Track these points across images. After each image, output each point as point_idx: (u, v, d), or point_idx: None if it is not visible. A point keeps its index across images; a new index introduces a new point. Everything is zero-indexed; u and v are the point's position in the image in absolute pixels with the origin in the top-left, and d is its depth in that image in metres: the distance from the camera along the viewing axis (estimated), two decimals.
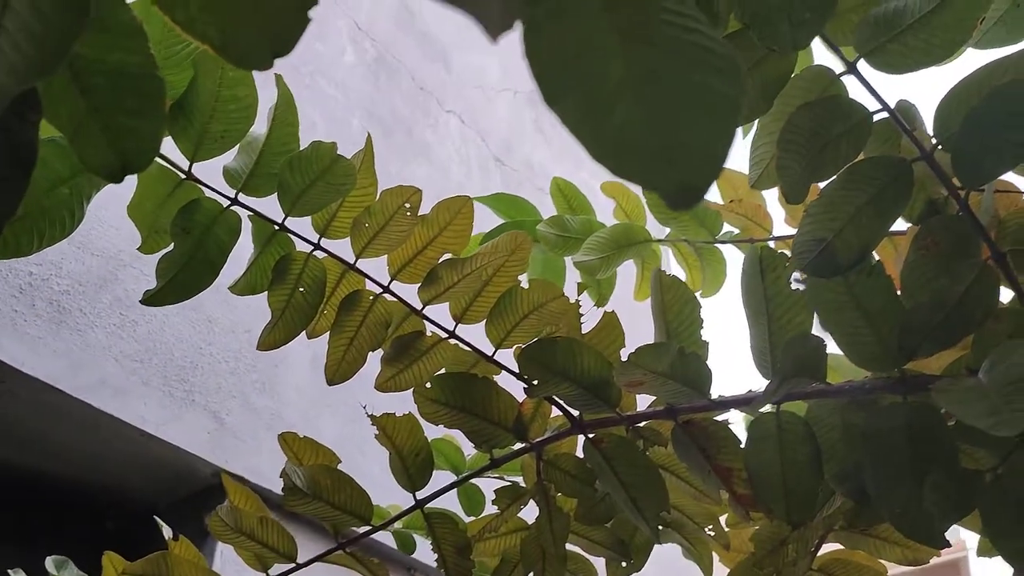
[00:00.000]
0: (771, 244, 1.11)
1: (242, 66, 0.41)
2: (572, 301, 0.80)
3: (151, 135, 0.43)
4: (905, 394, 0.64)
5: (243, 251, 0.75)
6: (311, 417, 1.60)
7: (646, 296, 1.30)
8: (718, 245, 1.20)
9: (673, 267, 1.30)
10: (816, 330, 0.71)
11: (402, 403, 0.82)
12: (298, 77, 2.15)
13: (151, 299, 0.71)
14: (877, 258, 0.67)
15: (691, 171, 0.30)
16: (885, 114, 0.67)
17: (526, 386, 0.75)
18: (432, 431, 0.87)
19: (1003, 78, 0.62)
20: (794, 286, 0.70)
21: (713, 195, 1.16)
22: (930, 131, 0.68)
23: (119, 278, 1.45)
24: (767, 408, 0.72)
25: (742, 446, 0.74)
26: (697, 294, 1.30)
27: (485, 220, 1.21)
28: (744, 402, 0.72)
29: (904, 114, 0.69)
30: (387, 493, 0.98)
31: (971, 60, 0.99)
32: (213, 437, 1.50)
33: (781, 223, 1.11)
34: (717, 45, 0.30)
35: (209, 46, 0.41)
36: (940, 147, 0.65)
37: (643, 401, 0.78)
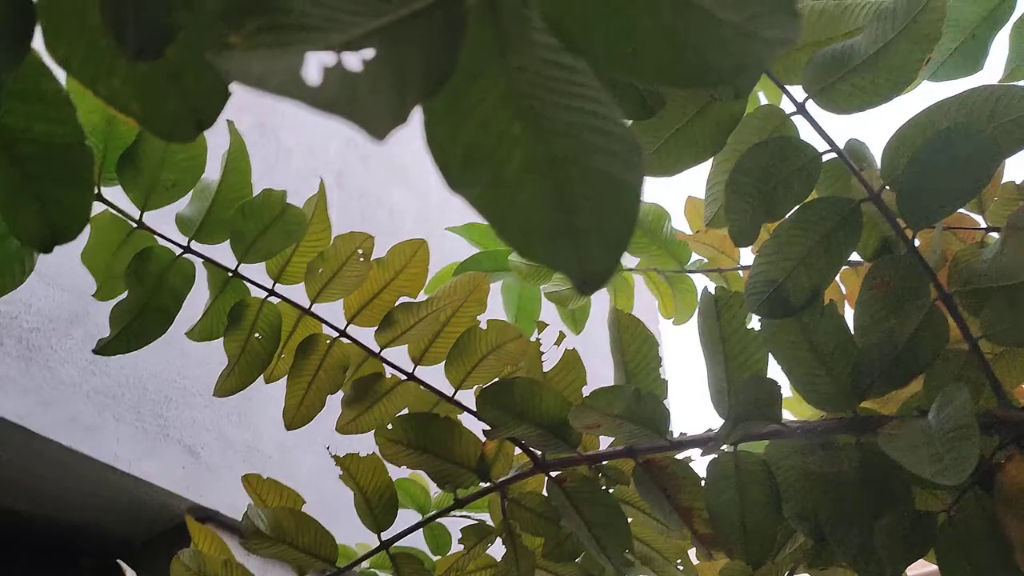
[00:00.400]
0: (740, 273, 1.12)
1: (166, 139, 0.41)
2: (533, 339, 0.80)
3: (80, 205, 0.43)
4: (858, 435, 0.64)
5: (203, 294, 0.75)
6: (288, 449, 1.59)
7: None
8: (688, 274, 1.20)
9: (645, 294, 1.30)
10: (774, 369, 0.72)
11: (370, 442, 0.82)
12: (271, 101, 2.15)
13: (104, 348, 0.71)
14: (829, 299, 0.67)
15: (594, 258, 0.30)
16: (835, 154, 0.67)
17: (485, 430, 0.75)
18: (397, 470, 0.87)
19: (945, 119, 0.63)
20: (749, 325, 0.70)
21: (681, 225, 1.17)
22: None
23: (90, 313, 1.45)
24: (726, 448, 0.72)
25: (703, 485, 0.74)
26: (669, 321, 1.30)
27: (462, 249, 1.21)
28: (702, 443, 0.72)
29: (853, 154, 0.69)
30: (363, 528, 0.97)
31: (929, 92, 1.00)
32: (188, 472, 1.49)
33: (749, 252, 1.11)
34: (616, 128, 0.30)
35: (133, 119, 0.41)
36: (888, 187, 0.65)
37: (606, 439, 0.78)
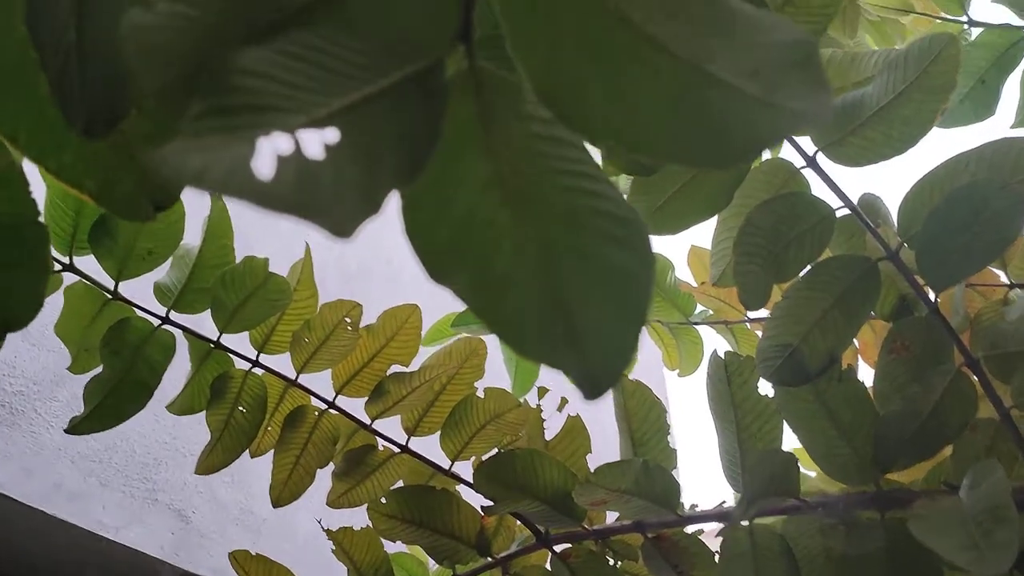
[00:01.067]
0: (747, 325, 1.08)
1: (122, 216, 0.37)
2: (533, 406, 0.76)
3: (33, 290, 0.39)
4: (883, 511, 0.60)
5: (185, 363, 0.71)
6: (284, 510, 1.52)
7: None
8: (693, 325, 1.17)
9: (649, 346, 1.26)
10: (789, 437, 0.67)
11: (365, 514, 0.77)
12: None
13: (77, 427, 0.67)
14: (847, 364, 0.63)
15: (597, 362, 0.26)
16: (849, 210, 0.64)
17: (484, 505, 0.71)
18: (393, 544, 0.82)
19: (963, 174, 0.59)
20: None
21: (685, 275, 1.13)
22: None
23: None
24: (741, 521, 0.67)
25: (716, 561, 0.70)
26: (674, 372, 1.26)
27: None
28: (715, 517, 0.67)
29: (868, 209, 0.66)
30: None
31: (938, 139, 0.97)
32: (178, 537, 1.44)
33: None
34: (620, 209, 0.27)
35: (87, 195, 0.37)
36: (906, 245, 0.61)
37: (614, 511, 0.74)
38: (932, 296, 0.61)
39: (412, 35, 0.26)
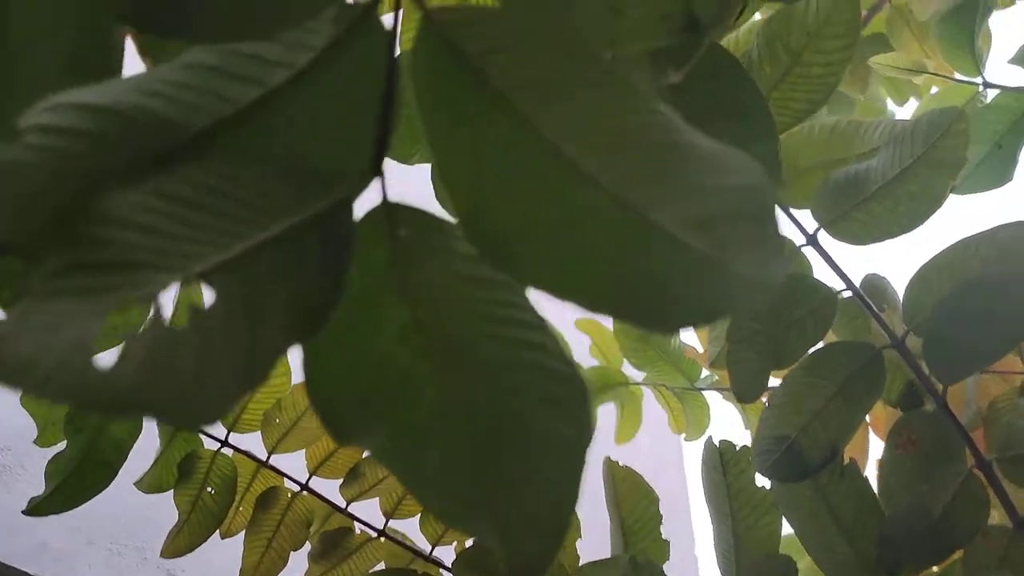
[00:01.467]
0: None
1: None
2: None
3: None
4: None
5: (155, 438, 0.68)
6: None
7: (626, 439, 1.22)
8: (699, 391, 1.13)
9: (654, 409, 1.22)
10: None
11: None
12: None
13: (36, 508, 0.64)
14: (850, 458, 0.59)
15: (524, 545, 0.22)
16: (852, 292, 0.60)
17: None
18: None
19: (973, 259, 0.55)
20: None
21: (692, 339, 1.09)
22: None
23: None
24: None
25: None
26: (681, 436, 1.21)
27: None
28: None
29: (872, 291, 0.62)
30: None
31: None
32: None
33: None
34: (557, 362, 0.23)
35: None
36: (913, 332, 0.57)
37: None
38: (941, 388, 0.57)
39: (318, 167, 0.22)
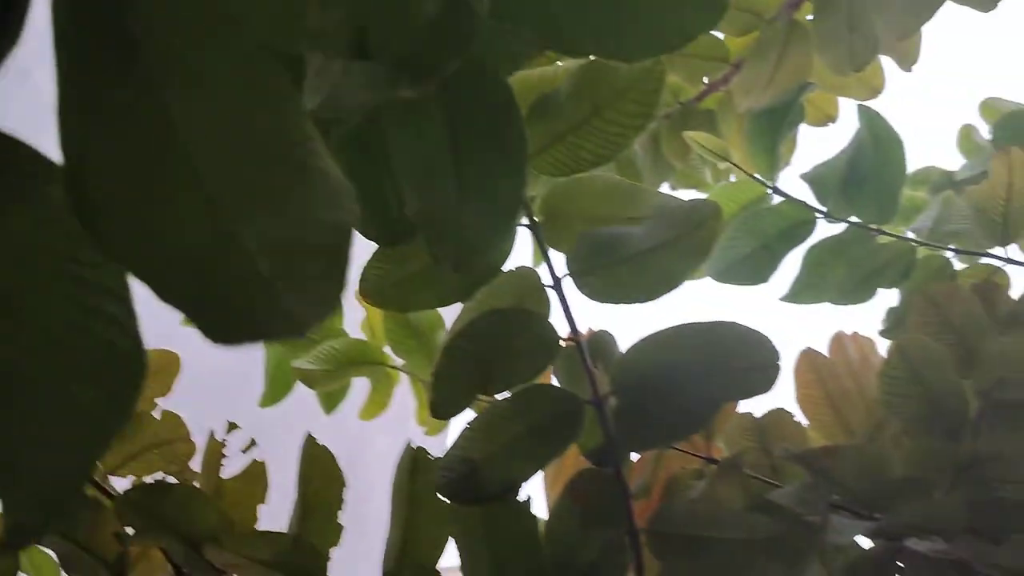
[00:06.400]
0: None
1: None
2: (219, 439, 0.70)
3: None
4: None
5: None
6: None
7: (368, 417, 1.22)
8: None
9: (409, 394, 1.22)
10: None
11: None
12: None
13: None
14: (528, 496, 0.61)
15: (28, 503, 0.22)
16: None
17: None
18: None
19: (686, 343, 0.58)
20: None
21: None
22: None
23: None
24: None
25: None
26: (422, 430, 1.22)
27: None
28: None
29: (596, 347, 0.65)
30: None
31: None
32: None
33: None
34: (119, 336, 0.22)
35: None
36: (613, 398, 0.60)
37: None
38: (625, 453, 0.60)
39: None
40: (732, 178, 0.98)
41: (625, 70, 0.61)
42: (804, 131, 1.01)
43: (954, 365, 0.70)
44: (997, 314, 0.79)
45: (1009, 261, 0.82)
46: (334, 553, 0.65)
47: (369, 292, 0.63)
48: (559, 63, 0.67)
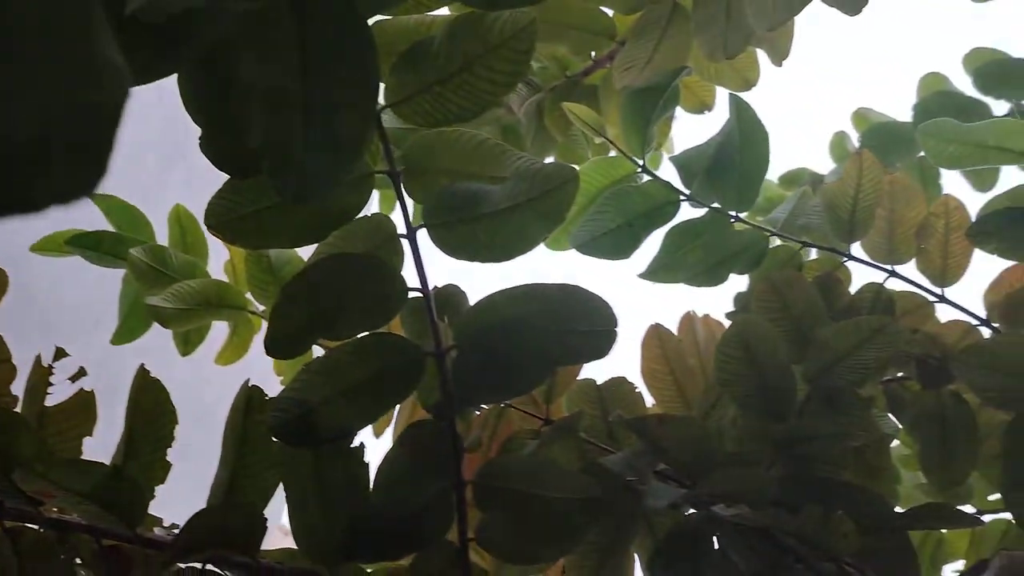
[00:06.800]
0: None
1: None
2: (45, 366, 0.67)
3: None
4: None
5: None
6: None
7: (225, 362, 1.19)
8: None
9: None
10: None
11: None
12: None
13: None
14: (360, 443, 0.61)
15: None
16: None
17: None
18: None
19: (531, 302, 0.59)
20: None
21: None
22: None
23: None
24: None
25: None
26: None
27: None
28: (162, 546, 0.62)
29: (445, 300, 0.65)
30: None
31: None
32: None
33: None
34: None
35: None
36: (455, 352, 0.60)
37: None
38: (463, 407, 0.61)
39: None
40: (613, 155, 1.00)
41: (499, 26, 0.60)
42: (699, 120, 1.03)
43: (788, 350, 0.73)
44: (835, 307, 0.83)
45: (851, 258, 0.86)
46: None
47: (216, 225, 0.61)
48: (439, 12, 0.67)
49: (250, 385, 0.62)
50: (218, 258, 1.15)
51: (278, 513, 0.70)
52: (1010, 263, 0.78)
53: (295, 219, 0.61)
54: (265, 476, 0.62)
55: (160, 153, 2.89)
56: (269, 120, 0.46)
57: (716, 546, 0.62)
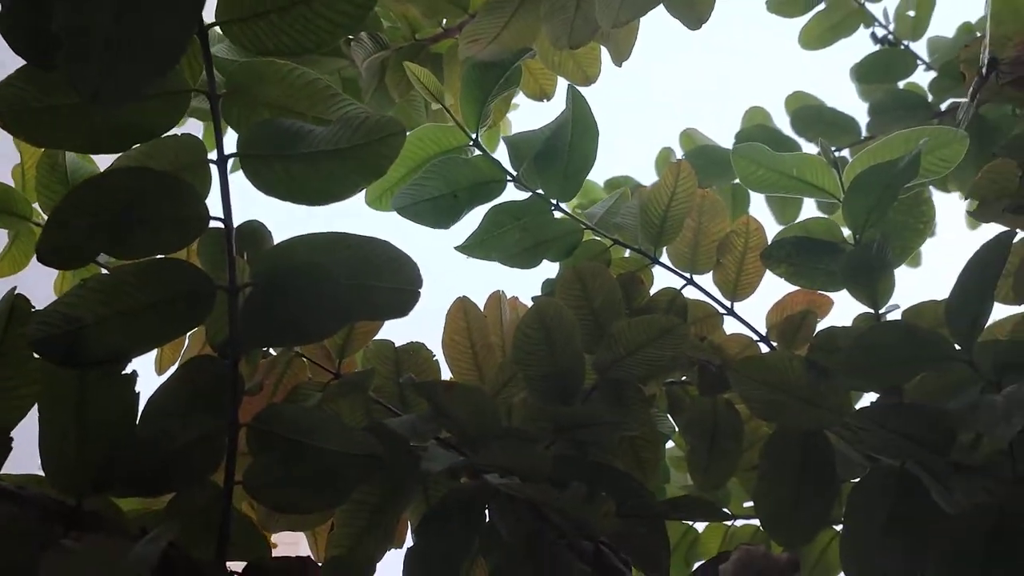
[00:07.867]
0: None
1: None
2: None
3: None
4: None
5: None
6: None
7: (5, 274, 1.09)
8: None
9: None
10: None
11: None
12: None
13: None
14: (134, 370, 0.57)
15: None
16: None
17: None
18: None
19: (343, 251, 0.58)
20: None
21: None
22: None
23: None
24: None
25: None
26: None
27: None
28: None
29: (248, 236, 0.62)
30: None
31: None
32: None
33: None
34: None
35: None
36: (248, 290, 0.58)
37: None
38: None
39: None
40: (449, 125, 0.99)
41: None
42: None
43: (584, 339, 0.75)
44: (633, 304, 0.86)
45: (657, 262, 0.90)
46: None
47: (4, 113, 0.56)
48: None
49: (16, 293, 0.57)
50: (7, 164, 1.05)
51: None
52: (794, 288, 0.84)
53: (94, 125, 0.57)
54: (20, 394, 0.57)
55: None
56: (77, 4, 0.42)
57: (488, 518, 0.63)
